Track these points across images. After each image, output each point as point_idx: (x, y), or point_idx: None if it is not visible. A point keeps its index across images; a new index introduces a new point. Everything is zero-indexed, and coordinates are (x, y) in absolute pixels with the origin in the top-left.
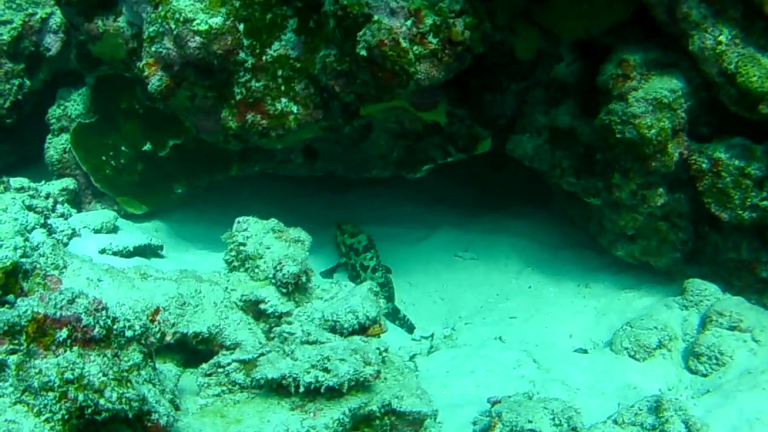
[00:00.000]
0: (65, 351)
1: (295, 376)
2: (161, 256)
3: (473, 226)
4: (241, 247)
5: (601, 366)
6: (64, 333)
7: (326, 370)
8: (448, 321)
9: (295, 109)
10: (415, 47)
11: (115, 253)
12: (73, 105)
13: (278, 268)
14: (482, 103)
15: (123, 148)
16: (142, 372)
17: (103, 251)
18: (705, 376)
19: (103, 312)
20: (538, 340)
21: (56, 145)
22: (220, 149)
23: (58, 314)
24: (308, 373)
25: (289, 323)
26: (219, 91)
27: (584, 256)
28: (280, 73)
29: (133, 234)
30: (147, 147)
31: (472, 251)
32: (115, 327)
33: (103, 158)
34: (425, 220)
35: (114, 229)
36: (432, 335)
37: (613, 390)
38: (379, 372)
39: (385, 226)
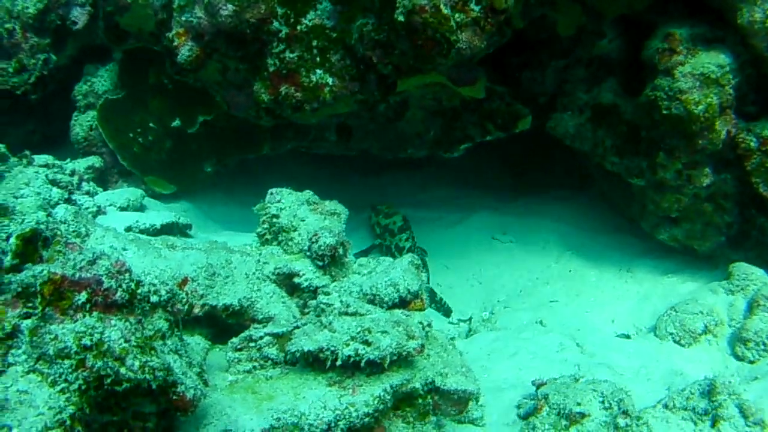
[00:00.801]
0: (84, 316)
1: (333, 348)
2: (189, 236)
3: (510, 209)
4: (275, 219)
5: (646, 351)
6: (83, 296)
7: (367, 342)
8: (486, 304)
9: (330, 81)
10: (456, 15)
11: (141, 231)
12: (100, 81)
13: (314, 240)
14: (522, 80)
15: (151, 124)
16: (168, 341)
17: (128, 229)
18: (752, 362)
19: (127, 275)
20: (580, 325)
21: (82, 123)
22: (251, 126)
23: (77, 276)
24: (347, 345)
25: (327, 294)
26: (251, 62)
27: (625, 241)
28: (315, 43)
29: (161, 213)
30: (176, 123)
31: (510, 235)
32: (139, 291)
33: (131, 135)
34: (460, 204)
35: (141, 208)
36: (470, 318)
37: (659, 375)
38: (422, 346)
39: (420, 210)
